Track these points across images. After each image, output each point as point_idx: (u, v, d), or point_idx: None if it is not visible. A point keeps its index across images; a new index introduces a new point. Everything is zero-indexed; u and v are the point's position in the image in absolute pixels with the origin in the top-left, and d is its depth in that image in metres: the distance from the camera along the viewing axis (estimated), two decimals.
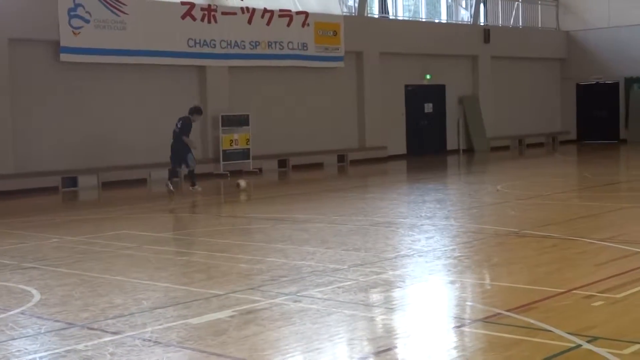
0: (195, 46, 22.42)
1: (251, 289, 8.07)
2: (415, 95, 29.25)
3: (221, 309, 7.24)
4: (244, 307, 7.30)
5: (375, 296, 7.72)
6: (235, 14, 23.27)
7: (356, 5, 27.37)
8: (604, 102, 33.61)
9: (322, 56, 25.42)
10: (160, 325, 6.73)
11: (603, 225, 12.05)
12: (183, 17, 22.17)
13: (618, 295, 7.30)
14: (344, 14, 26.54)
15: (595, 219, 12.85)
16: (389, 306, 7.39)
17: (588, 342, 5.84)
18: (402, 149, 28.60)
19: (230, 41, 23.18)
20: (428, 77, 29.41)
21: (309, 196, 17.58)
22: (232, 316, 6.96)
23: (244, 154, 23.11)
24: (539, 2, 33.88)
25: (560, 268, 8.67)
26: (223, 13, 23.02)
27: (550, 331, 6.12)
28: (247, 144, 23.07)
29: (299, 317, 6.87)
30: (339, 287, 7.98)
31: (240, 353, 5.92)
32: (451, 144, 30.27)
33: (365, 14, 27.62)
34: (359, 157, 26.34)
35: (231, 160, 22.78)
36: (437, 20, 30.91)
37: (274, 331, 6.48)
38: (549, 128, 33.77)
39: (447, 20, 31.06)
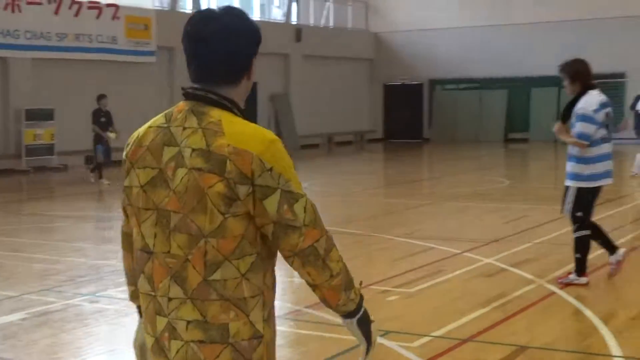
0: None
1: (46, 289, 7.77)
2: None
3: (13, 311, 6.93)
4: (37, 309, 7.02)
5: None
6: (41, 3, 22.37)
7: None
8: (409, 103, 34.85)
9: (133, 50, 24.90)
10: None
11: (403, 222, 12.46)
12: None
13: (411, 290, 7.57)
14: (156, 8, 26.12)
15: (396, 215, 13.28)
16: None
17: (381, 336, 5.99)
18: None
19: (36, 32, 22.28)
20: None
21: (114, 194, 17.17)
22: (23, 319, 6.67)
23: (49, 150, 22.26)
24: (349, 3, 34.67)
25: (359, 264, 8.88)
26: (28, 2, 22.07)
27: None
28: (52, 139, 22.24)
29: (94, 319, 6.68)
30: None
31: (30, 357, 5.68)
32: None
33: (178, 9, 27.30)
34: None
35: (34, 155, 21.88)
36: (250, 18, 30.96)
37: (67, 333, 6.26)
38: (357, 126, 34.59)
39: (260, 18, 31.21)
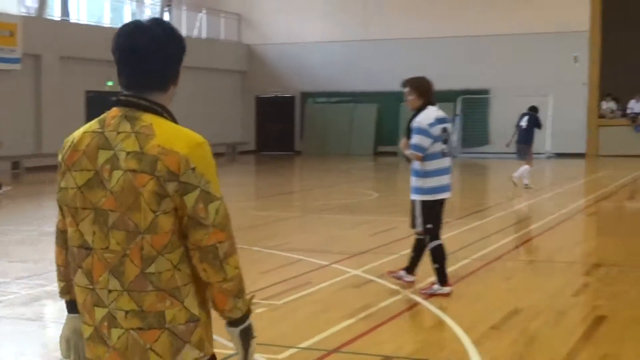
0: None
1: None
2: (97, 102, 28.57)
3: None
4: None
5: (38, 309, 7.39)
6: None
7: (36, 5, 26.25)
8: (281, 115, 35.03)
9: None
10: None
11: (272, 234, 12.49)
12: None
13: (279, 302, 7.59)
14: (22, 14, 25.35)
15: (265, 227, 13.29)
16: (53, 319, 7.11)
17: None
18: None
19: None
20: (110, 83, 28.89)
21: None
22: None
23: None
24: (222, 14, 34.59)
25: None
26: None
27: (215, 340, 6.18)
28: None
29: None
30: None
31: None
32: None
33: (45, 16, 26.57)
34: (36, 164, 25.21)
35: None
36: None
37: None
38: (230, 138, 34.49)
39: None
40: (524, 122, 18.93)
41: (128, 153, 2.55)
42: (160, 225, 2.54)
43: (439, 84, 36.57)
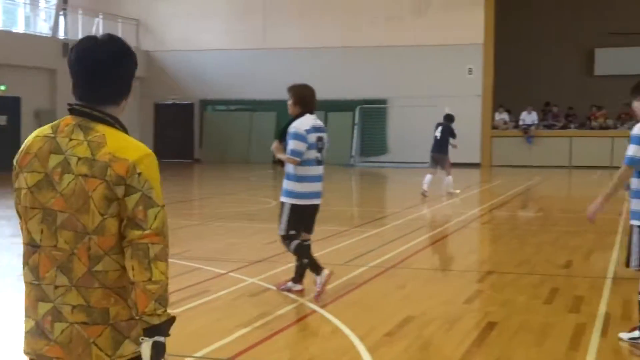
0: None
1: None
2: None
3: None
4: None
5: None
6: None
7: None
8: (180, 123, 34.71)
9: None
10: None
11: (171, 242, 12.20)
12: None
13: (176, 310, 7.50)
14: None
15: None
16: None
17: None
18: None
19: None
20: (2, 88, 28.11)
21: None
22: None
23: None
24: (119, 20, 34.08)
25: None
26: None
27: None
28: None
29: None
30: None
31: None
32: None
33: None
34: None
35: None
36: (14, 30, 29.68)
37: None
38: None
39: (25, 31, 29.97)
40: (438, 133, 19.55)
41: (79, 159, 2.75)
42: (108, 227, 2.73)
43: (338, 94, 37.06)
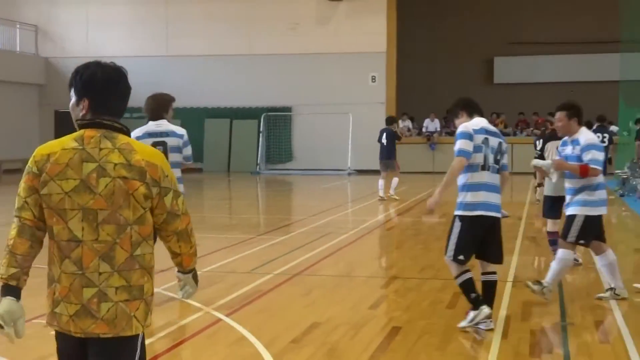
0: None
1: None
2: None
3: None
4: None
5: None
6: None
7: None
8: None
9: None
10: None
11: None
12: None
13: None
14: None
15: None
16: None
17: None
18: None
19: None
20: None
21: None
22: None
23: None
24: (18, 26, 33.27)
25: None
26: None
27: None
28: None
29: None
30: None
31: None
32: None
33: None
34: None
35: None
36: None
37: None
38: (27, 153, 32.87)
39: None
40: (383, 139, 20.04)
41: (116, 164, 3.41)
42: (147, 218, 3.48)
43: (244, 101, 36.91)
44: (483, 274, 7.48)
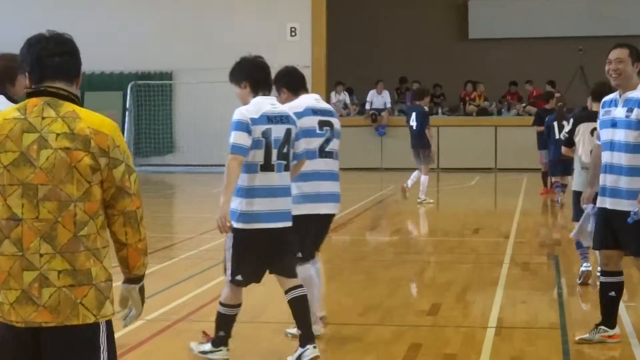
0: None
1: None
2: None
3: None
4: None
5: None
6: None
7: None
8: None
9: None
10: None
11: None
12: None
13: None
14: None
15: None
16: None
17: None
18: None
19: None
20: None
21: None
22: None
23: None
24: None
25: None
26: None
27: None
28: None
29: None
30: None
31: None
32: None
33: None
34: None
35: None
36: None
37: None
38: None
39: None
40: (412, 121, 21.03)
41: (58, 134, 4.23)
42: (93, 194, 4.28)
43: (101, 65, 36.52)
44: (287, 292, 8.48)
